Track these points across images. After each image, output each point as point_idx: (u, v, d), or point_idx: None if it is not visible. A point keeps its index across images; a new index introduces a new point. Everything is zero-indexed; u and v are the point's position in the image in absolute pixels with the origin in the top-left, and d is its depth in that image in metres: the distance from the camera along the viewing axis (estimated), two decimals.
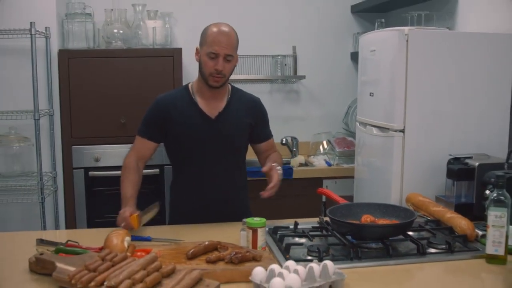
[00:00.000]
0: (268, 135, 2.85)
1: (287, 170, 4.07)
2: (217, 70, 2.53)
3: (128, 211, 2.41)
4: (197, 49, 2.64)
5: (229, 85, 2.76)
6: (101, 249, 2.09)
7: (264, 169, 2.55)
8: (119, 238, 2.09)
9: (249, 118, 2.72)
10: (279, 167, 2.59)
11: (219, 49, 2.52)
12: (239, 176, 2.76)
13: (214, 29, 2.56)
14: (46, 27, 3.88)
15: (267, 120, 2.85)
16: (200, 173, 2.67)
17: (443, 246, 2.19)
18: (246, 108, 2.73)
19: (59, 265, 1.85)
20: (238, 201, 2.75)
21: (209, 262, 1.96)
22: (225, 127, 2.65)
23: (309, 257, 2.08)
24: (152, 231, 2.46)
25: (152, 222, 2.56)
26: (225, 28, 2.57)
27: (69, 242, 2.22)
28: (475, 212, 2.59)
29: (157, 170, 3.92)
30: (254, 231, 2.12)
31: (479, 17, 3.41)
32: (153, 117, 2.70)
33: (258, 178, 4.05)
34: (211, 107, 2.66)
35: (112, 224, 2.39)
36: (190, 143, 2.65)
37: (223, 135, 2.65)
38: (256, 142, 2.82)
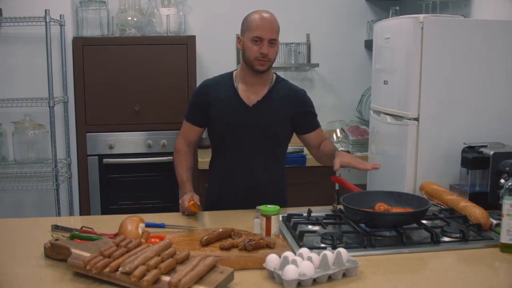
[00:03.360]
0: (314, 126, 2.82)
1: (301, 158, 4.07)
2: (262, 54, 2.55)
3: (186, 200, 2.52)
4: (238, 37, 2.66)
5: (274, 75, 2.76)
6: (115, 235, 2.10)
7: (335, 168, 2.52)
8: (133, 225, 2.10)
9: (290, 109, 2.71)
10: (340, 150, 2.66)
11: (263, 34, 2.54)
12: (274, 166, 2.74)
13: (256, 16, 2.59)
14: (60, 15, 3.89)
15: (313, 111, 2.82)
16: (235, 159, 2.69)
17: (457, 235, 2.18)
18: (288, 99, 2.72)
19: (74, 251, 1.86)
20: (272, 190, 2.71)
21: (223, 249, 1.96)
22: (261, 115, 2.65)
23: (323, 245, 2.08)
24: (166, 218, 2.47)
25: (166, 209, 2.57)
26: (266, 14, 2.60)
27: (84, 228, 2.23)
28: (490, 201, 2.57)
29: None
30: (268, 219, 2.13)
31: (494, 4, 3.38)
32: (196, 101, 2.75)
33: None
34: (252, 95, 2.67)
35: (126, 210, 2.40)
36: (226, 128, 2.67)
37: (259, 123, 2.65)
38: (302, 132, 2.81)
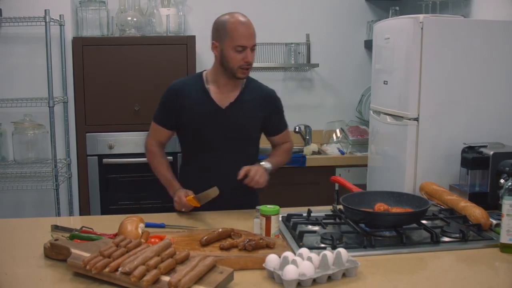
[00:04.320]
0: (282, 128, 2.83)
1: (300, 158, 4.08)
2: (247, 63, 2.54)
3: (182, 195, 2.50)
4: (214, 43, 2.60)
5: None
6: (115, 235, 2.10)
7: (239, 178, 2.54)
8: (133, 225, 2.10)
9: (262, 111, 2.70)
10: (265, 163, 2.64)
11: (246, 42, 2.51)
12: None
13: (234, 21, 2.53)
14: (60, 15, 3.89)
15: (282, 112, 2.83)
16: (208, 162, 2.66)
17: (457, 235, 2.18)
18: (260, 100, 2.71)
19: (74, 251, 1.86)
20: (245, 190, 2.64)
21: (222, 249, 1.96)
22: (235, 117, 2.63)
23: (323, 245, 2.08)
24: (166, 218, 2.47)
25: (165, 209, 2.57)
26: (243, 19, 2.55)
27: (83, 228, 2.23)
28: (490, 201, 2.57)
29: (171, 157, 3.93)
30: (268, 219, 2.13)
31: (494, 4, 3.38)
32: (166, 104, 2.71)
33: None
34: (224, 97, 2.64)
35: (126, 211, 2.40)
36: (199, 131, 2.64)
37: (232, 126, 2.64)
38: (270, 134, 2.82)
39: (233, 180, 2.59)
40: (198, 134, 2.66)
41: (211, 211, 2.59)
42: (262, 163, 2.63)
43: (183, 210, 2.53)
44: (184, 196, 2.49)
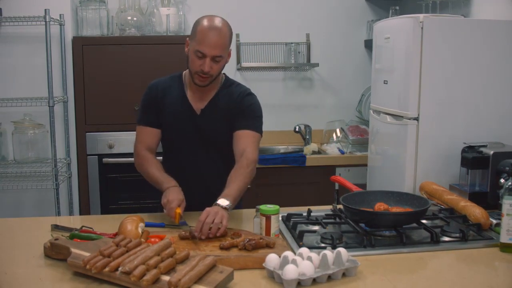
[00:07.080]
0: (237, 126, 2.54)
1: (300, 158, 4.07)
2: (202, 71, 2.40)
3: (176, 202, 2.32)
4: (187, 40, 2.50)
5: (224, 76, 2.63)
6: (115, 235, 2.10)
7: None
8: (133, 224, 2.10)
9: (232, 116, 2.55)
10: (221, 201, 2.23)
11: (207, 50, 2.36)
12: (223, 167, 2.56)
13: (205, 25, 2.40)
14: (60, 14, 3.89)
15: (249, 112, 2.58)
16: (183, 164, 2.62)
17: (457, 235, 2.18)
18: (232, 103, 2.57)
19: (73, 250, 1.86)
20: (221, 191, 2.41)
21: (222, 248, 1.96)
22: (207, 123, 2.56)
23: (323, 245, 2.08)
24: (166, 218, 2.47)
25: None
26: (216, 24, 2.40)
27: (83, 228, 2.23)
28: (490, 200, 2.58)
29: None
30: (268, 218, 2.12)
31: (494, 4, 3.38)
32: (148, 103, 2.63)
33: (269, 165, 4.06)
34: (199, 100, 2.57)
35: (126, 210, 2.39)
36: (174, 134, 2.60)
37: (204, 131, 2.56)
38: (232, 130, 2.57)
39: (208, 180, 2.57)
40: (173, 136, 2.61)
41: None
42: (219, 201, 2.22)
43: (164, 212, 2.36)
44: (177, 205, 2.32)
